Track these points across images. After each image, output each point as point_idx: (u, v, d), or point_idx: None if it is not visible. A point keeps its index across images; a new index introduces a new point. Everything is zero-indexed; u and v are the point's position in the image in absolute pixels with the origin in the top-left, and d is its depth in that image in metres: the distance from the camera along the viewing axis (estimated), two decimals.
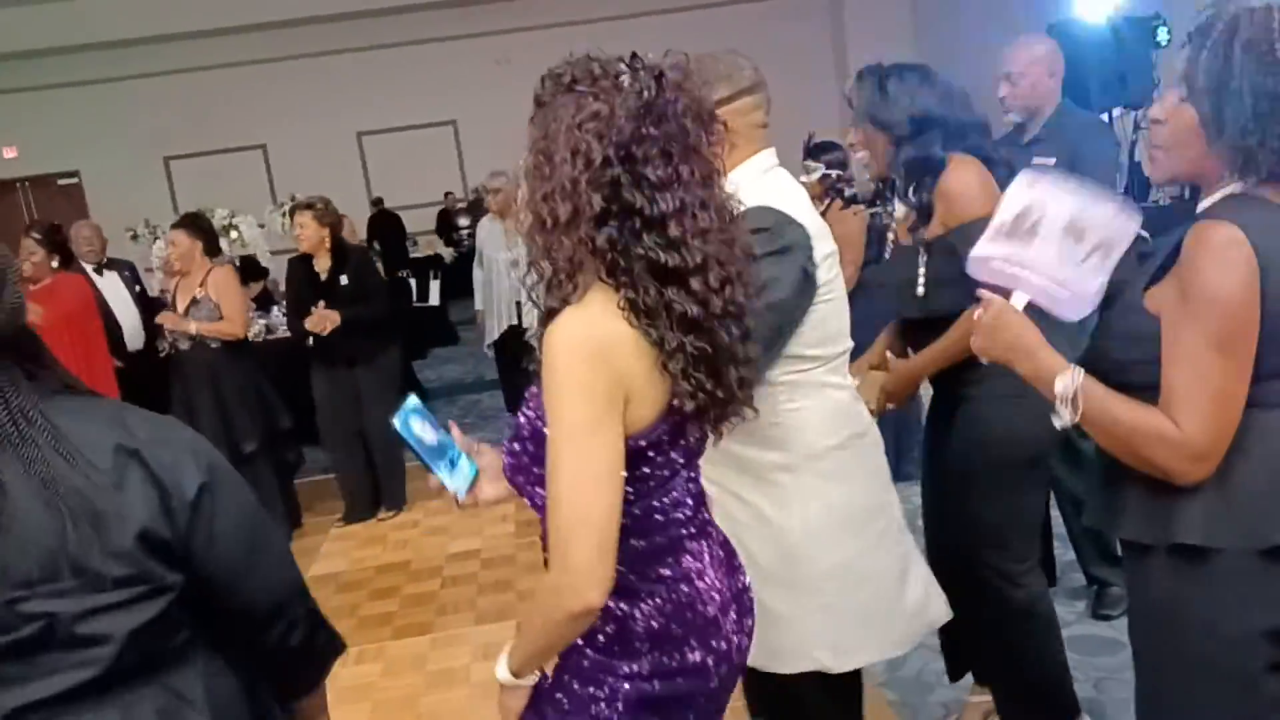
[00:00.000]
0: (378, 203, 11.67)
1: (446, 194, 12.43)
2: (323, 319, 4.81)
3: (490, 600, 4.03)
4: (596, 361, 1.25)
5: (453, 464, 1.55)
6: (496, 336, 5.82)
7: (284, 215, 9.22)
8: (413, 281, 9.47)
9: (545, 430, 1.29)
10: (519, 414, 1.44)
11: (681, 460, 1.40)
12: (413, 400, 1.55)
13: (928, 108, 2.19)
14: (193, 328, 4.65)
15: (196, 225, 4.98)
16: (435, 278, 9.29)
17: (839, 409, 2.01)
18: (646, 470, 1.34)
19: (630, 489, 1.31)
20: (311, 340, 4.92)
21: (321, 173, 11.12)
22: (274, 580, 1.35)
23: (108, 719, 1.19)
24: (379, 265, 7.06)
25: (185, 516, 1.21)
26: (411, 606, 4.09)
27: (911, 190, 2.22)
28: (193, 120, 11.99)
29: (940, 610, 2.11)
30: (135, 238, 9.44)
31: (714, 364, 1.31)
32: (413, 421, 1.52)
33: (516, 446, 1.43)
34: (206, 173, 11.80)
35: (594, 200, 1.25)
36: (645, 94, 1.26)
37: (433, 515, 5.10)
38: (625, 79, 1.27)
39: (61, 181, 12.40)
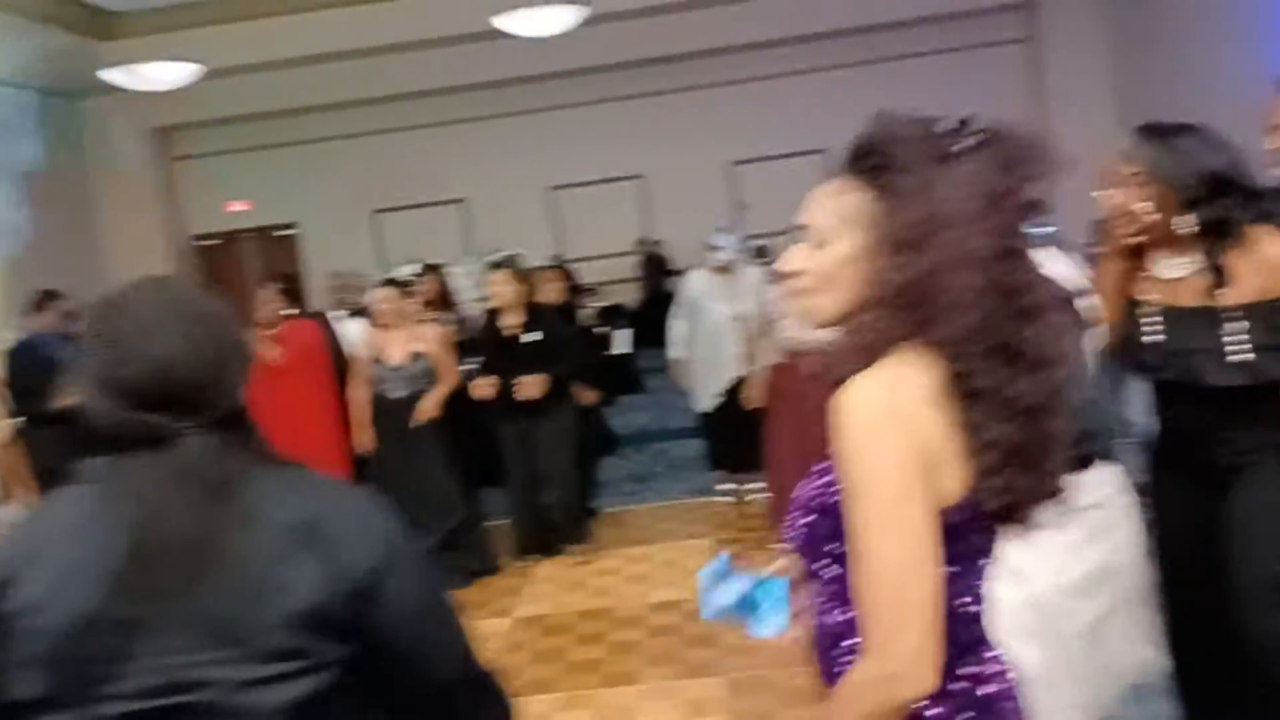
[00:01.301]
0: (555, 257, 12.04)
1: (639, 240, 12.71)
2: (530, 385, 4.96)
3: (697, 655, 4.02)
4: (898, 429, 1.19)
5: (761, 600, 1.51)
6: (718, 390, 5.78)
7: (483, 268, 9.71)
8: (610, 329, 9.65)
9: (840, 503, 1.24)
10: (805, 486, 1.38)
11: (983, 546, 1.31)
12: (710, 572, 1.52)
13: (1221, 168, 2.10)
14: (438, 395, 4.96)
15: (407, 286, 5.30)
16: (623, 326, 9.46)
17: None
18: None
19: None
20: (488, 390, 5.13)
21: (516, 226, 11.64)
22: (450, 659, 1.32)
23: None
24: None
25: (354, 596, 1.20)
26: (618, 654, 4.14)
27: (1205, 253, 2.13)
28: (399, 176, 12.74)
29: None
30: None
31: (1032, 456, 1.24)
32: (715, 596, 1.50)
33: (806, 521, 1.36)
34: (410, 225, 12.51)
35: (978, 275, 1.20)
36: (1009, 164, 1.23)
37: (633, 563, 5.17)
38: (979, 148, 1.24)
39: (280, 233, 13.37)
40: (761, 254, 9.69)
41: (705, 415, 5.97)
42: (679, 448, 7.45)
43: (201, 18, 10.58)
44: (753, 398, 5.28)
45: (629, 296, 12.13)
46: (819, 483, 1.35)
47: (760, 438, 5.50)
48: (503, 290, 5.09)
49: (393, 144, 12.73)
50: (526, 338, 5.10)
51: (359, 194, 12.80)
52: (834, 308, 1.34)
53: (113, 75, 8.83)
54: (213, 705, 1.14)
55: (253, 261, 13.33)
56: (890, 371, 1.24)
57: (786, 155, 12.40)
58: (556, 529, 5.32)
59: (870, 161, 1.29)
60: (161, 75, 8.96)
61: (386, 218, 12.96)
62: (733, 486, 5.97)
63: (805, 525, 1.36)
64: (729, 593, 1.50)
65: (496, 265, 5.18)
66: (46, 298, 5.79)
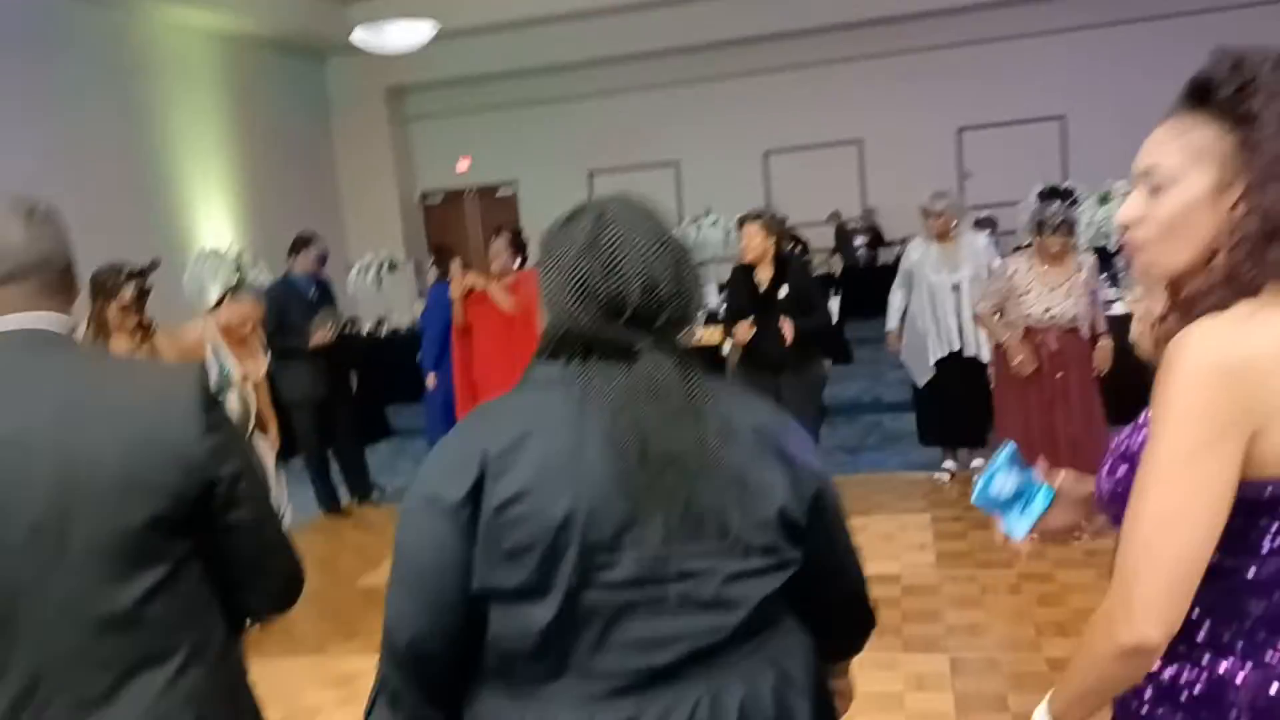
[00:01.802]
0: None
1: (831, 214, 12.41)
2: (790, 330, 4.89)
3: (916, 630, 3.91)
4: (1225, 382, 1.10)
5: (1027, 503, 1.46)
6: (934, 360, 5.57)
7: (697, 229, 9.75)
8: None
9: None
10: (1120, 437, 1.31)
11: None
12: (1004, 455, 1.47)
13: None
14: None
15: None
16: (835, 294, 9.26)
17: None
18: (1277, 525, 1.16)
19: (1264, 543, 1.15)
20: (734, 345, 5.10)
21: (729, 188, 11.59)
22: (855, 569, 1.45)
23: (731, 689, 1.24)
24: None
25: (810, 500, 1.30)
26: None
27: None
28: (614, 138, 12.91)
29: None
30: None
31: None
32: (995, 482, 1.44)
33: (1117, 472, 1.28)
34: (624, 186, 12.65)
35: None
36: None
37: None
38: None
39: (500, 193, 13.85)
40: (985, 224, 9.27)
41: (921, 388, 5.75)
42: (892, 420, 7.24)
43: None
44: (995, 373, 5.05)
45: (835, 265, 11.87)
46: (1139, 435, 1.26)
47: (978, 413, 5.28)
48: (756, 243, 5.04)
49: (609, 106, 12.91)
50: (780, 292, 5.05)
51: (576, 154, 13.07)
52: (1179, 258, 1.22)
53: (358, 35, 9.32)
54: (696, 594, 1.21)
55: (474, 219, 13.92)
56: (1241, 319, 1.13)
57: (1015, 122, 11.77)
58: None
59: (1225, 91, 1.17)
60: (401, 36, 9.39)
61: (601, 179, 13.19)
62: (952, 464, 5.75)
63: (1116, 475, 1.28)
64: (1008, 483, 1.43)
65: (751, 218, 5.13)
66: (303, 242, 6.19)
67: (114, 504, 1.26)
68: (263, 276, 7.59)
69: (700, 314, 1.34)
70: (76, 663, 1.28)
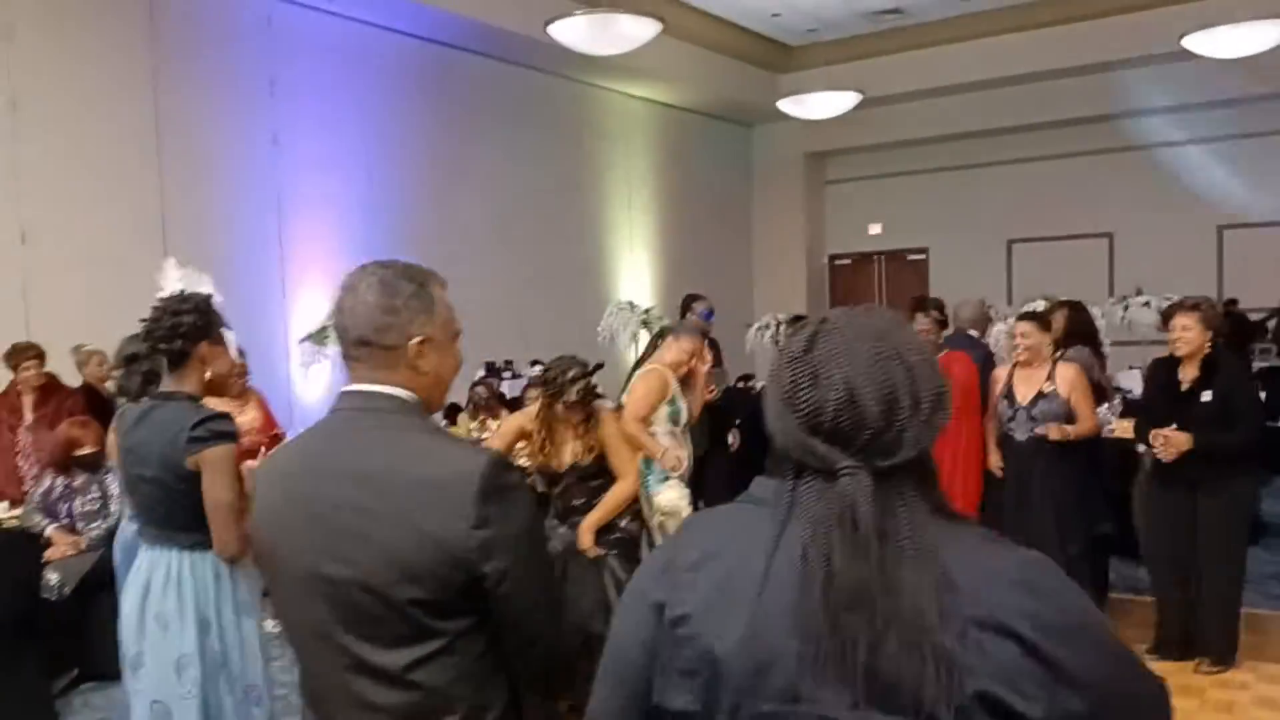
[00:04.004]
0: (1230, 304, 10.52)
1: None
2: (1172, 442, 4.31)
3: None
4: None
5: None
6: None
7: (1124, 308, 8.87)
8: (1262, 395, 8.24)
9: None
10: None
11: None
12: None
13: None
14: (1070, 432, 4.55)
15: (1043, 320, 4.93)
16: None
17: None
18: None
19: None
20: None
21: (1171, 266, 10.44)
22: None
23: None
24: None
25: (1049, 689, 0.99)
26: None
27: None
28: (1037, 206, 12.19)
29: None
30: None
31: None
32: None
33: None
34: (1048, 258, 11.90)
35: None
36: None
37: (1269, 682, 4.29)
38: None
39: (911, 257, 13.59)
40: None
41: None
42: None
43: (864, 49, 11.17)
44: None
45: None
46: None
47: None
48: (1190, 337, 4.41)
49: (1030, 171, 12.22)
50: (1204, 396, 4.41)
51: (992, 222, 12.52)
52: None
53: (785, 104, 9.66)
54: None
55: (882, 282, 13.79)
56: None
57: None
58: (1201, 631, 4.56)
59: None
60: (825, 104, 9.59)
61: (1021, 247, 12.49)
62: None
63: None
64: None
65: (1182, 308, 4.53)
66: (691, 300, 6.48)
67: (383, 580, 1.34)
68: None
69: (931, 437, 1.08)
70: (361, 708, 1.39)
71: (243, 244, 7.17)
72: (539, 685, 1.50)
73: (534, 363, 8.17)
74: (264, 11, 7.45)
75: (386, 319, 1.43)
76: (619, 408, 4.52)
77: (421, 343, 1.45)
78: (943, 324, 5.34)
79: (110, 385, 3.97)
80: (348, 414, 1.46)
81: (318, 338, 5.94)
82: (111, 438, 3.57)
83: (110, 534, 4.31)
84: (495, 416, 5.34)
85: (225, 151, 7.21)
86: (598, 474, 3.76)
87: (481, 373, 7.97)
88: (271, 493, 1.49)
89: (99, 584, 4.30)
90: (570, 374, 3.73)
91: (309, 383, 7.16)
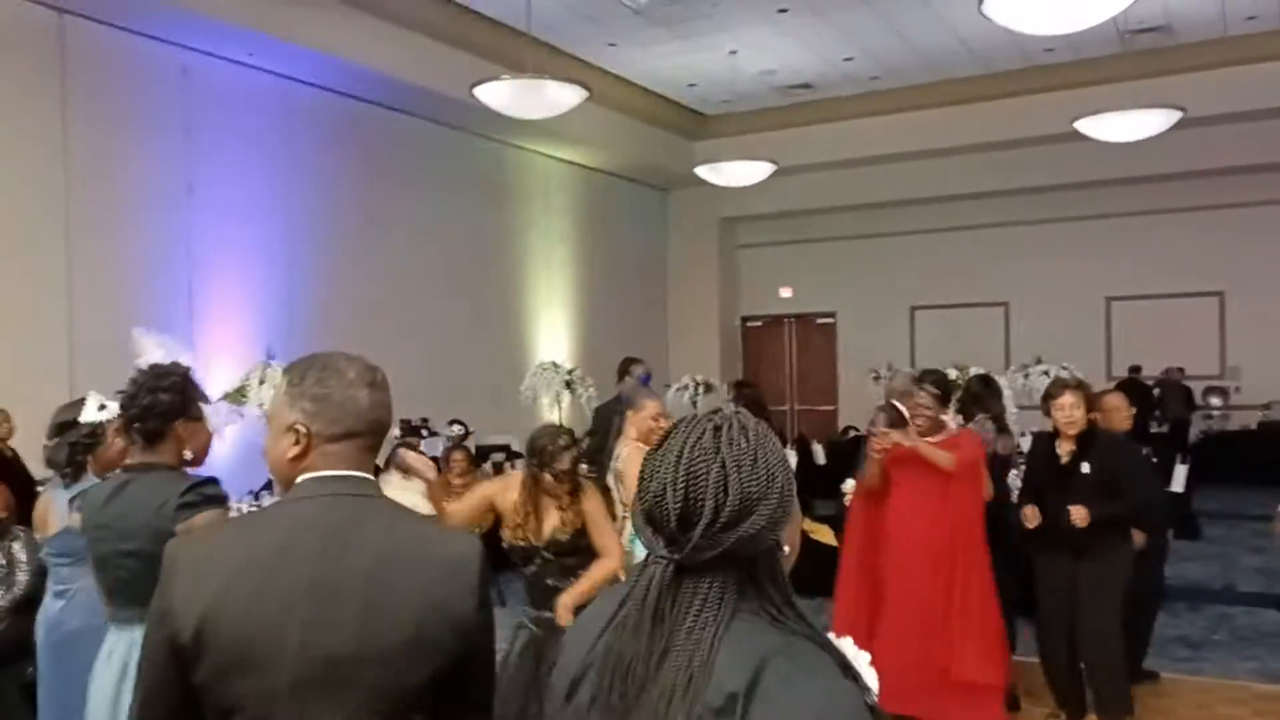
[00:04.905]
0: (1135, 370, 11.10)
1: (1170, 369, 11.33)
2: (1080, 514, 4.46)
3: None
4: None
5: None
6: None
7: (1024, 377, 9.23)
8: (1154, 461, 8.64)
9: None
10: None
11: None
12: None
13: None
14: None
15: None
16: (1183, 462, 8.36)
17: None
18: None
19: None
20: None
21: (1062, 336, 10.94)
22: None
23: None
24: None
25: None
26: None
27: None
28: (940, 275, 12.68)
29: None
30: (876, 379, 10.25)
31: None
32: None
33: None
34: (949, 324, 12.35)
35: None
36: None
37: None
38: None
39: (820, 321, 13.95)
40: None
41: None
42: (1246, 616, 6.34)
43: (778, 120, 11.54)
44: None
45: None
46: None
47: None
48: (1073, 415, 4.59)
49: (935, 242, 12.74)
50: (1083, 468, 4.60)
51: (899, 289, 12.96)
52: None
53: (703, 171, 9.87)
54: None
55: (793, 343, 14.13)
56: None
57: None
58: (1092, 690, 4.71)
59: None
60: (742, 173, 9.85)
61: (923, 314, 12.94)
62: None
63: None
64: None
65: (1073, 387, 4.68)
66: (629, 363, 6.51)
67: (403, 659, 1.36)
68: (589, 393, 8.10)
69: (757, 526, 1.12)
70: None
71: (151, 295, 6.95)
72: None
73: (452, 422, 8.07)
74: (179, 61, 7.32)
75: (379, 413, 1.50)
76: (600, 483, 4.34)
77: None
78: (943, 399, 4.73)
79: (45, 451, 3.71)
80: (346, 497, 1.46)
81: (234, 397, 5.74)
82: (40, 506, 3.38)
83: (16, 606, 4.05)
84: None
85: (137, 200, 7.01)
86: (574, 550, 3.56)
87: (397, 432, 7.83)
88: (236, 569, 1.41)
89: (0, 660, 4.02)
90: (560, 441, 3.58)
91: (223, 442, 6.92)
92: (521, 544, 3.54)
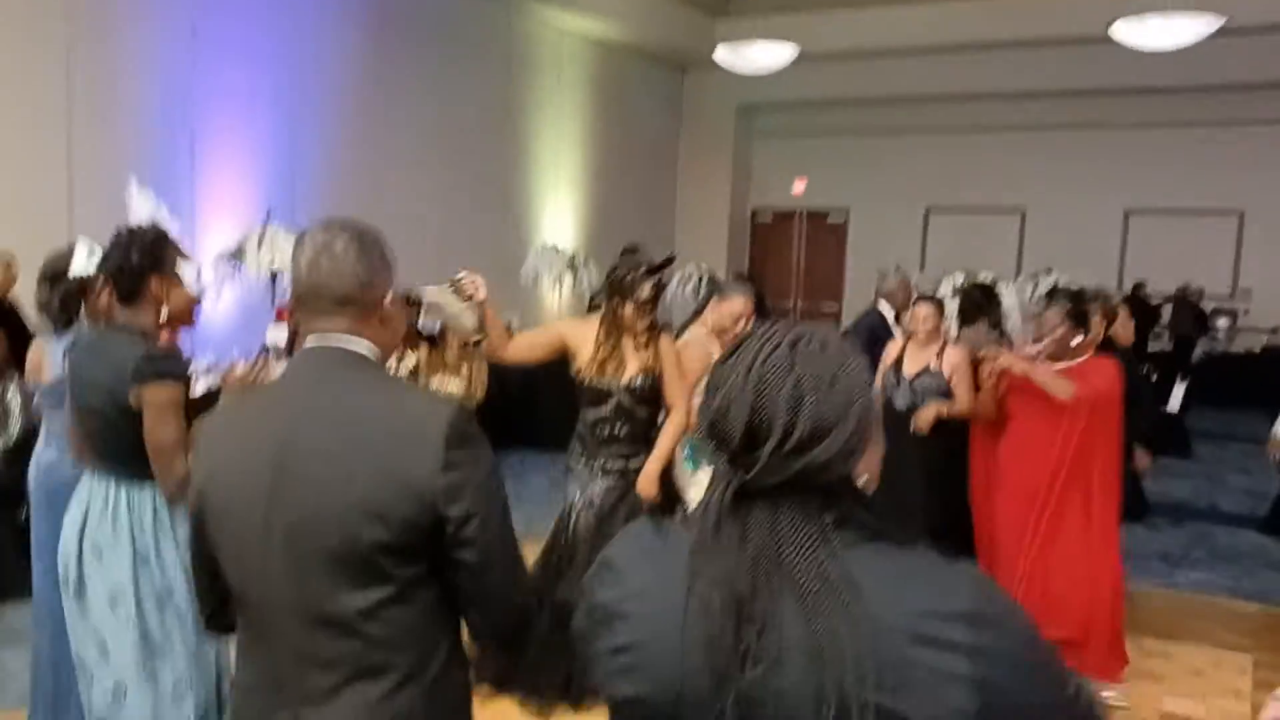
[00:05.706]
0: (1138, 287, 10.99)
1: (1181, 288, 11.19)
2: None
3: None
4: None
5: None
6: None
7: (1033, 284, 9.14)
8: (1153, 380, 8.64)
9: None
10: None
11: None
12: None
13: None
14: (942, 411, 4.37)
15: (940, 304, 4.93)
16: (1183, 380, 8.37)
17: None
18: None
19: None
20: None
21: (1077, 247, 10.80)
22: None
23: None
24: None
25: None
26: None
27: None
28: (956, 177, 12.44)
29: None
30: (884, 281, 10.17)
31: None
32: None
33: None
34: (963, 229, 12.19)
35: None
36: None
37: (1149, 657, 4.52)
38: None
39: (831, 219, 13.75)
40: None
41: None
42: (1227, 535, 6.42)
43: (805, 2, 11.12)
44: None
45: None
46: None
47: None
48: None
49: (953, 143, 12.47)
50: None
51: (913, 190, 12.73)
52: None
53: (721, 53, 9.54)
54: None
55: (802, 243, 13.95)
56: None
57: None
58: None
59: None
60: (762, 56, 9.51)
61: (938, 217, 12.75)
62: None
63: None
64: None
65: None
66: (629, 252, 6.41)
67: (351, 523, 1.37)
68: (591, 277, 8.02)
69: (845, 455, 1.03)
70: (303, 659, 1.42)
71: (153, 142, 6.81)
72: (495, 637, 1.53)
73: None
74: None
75: (369, 277, 1.50)
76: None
77: (391, 301, 1.55)
78: (1079, 318, 3.99)
79: (36, 298, 3.65)
80: (331, 366, 1.49)
81: (237, 255, 5.71)
82: (34, 354, 3.38)
83: (9, 452, 4.10)
84: (413, 348, 5.18)
85: (139, 42, 6.81)
86: (649, 399, 3.41)
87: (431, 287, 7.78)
88: (227, 444, 1.50)
89: None
90: (642, 270, 3.34)
91: (219, 300, 6.90)
92: (600, 385, 3.43)
